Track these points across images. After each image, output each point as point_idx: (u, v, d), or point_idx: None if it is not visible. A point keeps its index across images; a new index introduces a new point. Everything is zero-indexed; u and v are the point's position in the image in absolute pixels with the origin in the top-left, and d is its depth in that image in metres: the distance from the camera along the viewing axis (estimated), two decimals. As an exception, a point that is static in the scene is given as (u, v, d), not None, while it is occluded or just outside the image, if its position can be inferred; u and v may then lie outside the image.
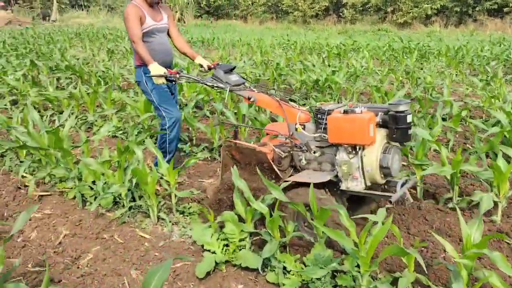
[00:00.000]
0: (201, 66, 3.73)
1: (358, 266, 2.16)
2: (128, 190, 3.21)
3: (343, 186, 2.73)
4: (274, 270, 2.42)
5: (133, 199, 3.31)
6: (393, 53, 11.83)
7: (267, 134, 3.28)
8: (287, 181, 2.79)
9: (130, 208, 3.22)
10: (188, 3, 29.82)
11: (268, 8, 31.61)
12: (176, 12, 29.52)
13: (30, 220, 3.15)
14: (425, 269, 2.16)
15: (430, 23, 24.79)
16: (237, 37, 18.32)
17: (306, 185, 2.62)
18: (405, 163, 4.17)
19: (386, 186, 2.87)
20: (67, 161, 3.41)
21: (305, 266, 2.37)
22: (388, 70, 7.87)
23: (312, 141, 2.91)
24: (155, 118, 4.82)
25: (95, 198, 3.38)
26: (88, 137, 4.48)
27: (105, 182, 3.29)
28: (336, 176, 2.76)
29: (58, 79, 7.61)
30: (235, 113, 4.80)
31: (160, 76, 3.28)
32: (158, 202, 3.14)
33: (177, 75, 3.26)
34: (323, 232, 2.34)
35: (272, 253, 2.40)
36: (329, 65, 8.29)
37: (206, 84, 3.26)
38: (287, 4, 29.67)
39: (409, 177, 3.30)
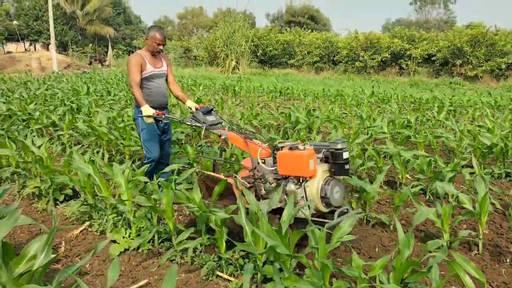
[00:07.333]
0: (190, 108, 4.22)
1: None
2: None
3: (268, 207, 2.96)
4: None
5: None
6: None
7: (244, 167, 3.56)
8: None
9: None
10: (244, 53, 29.74)
11: (321, 58, 31.18)
12: (232, 60, 29.47)
13: None
14: None
15: (504, 78, 23.60)
16: (300, 86, 17.60)
17: None
18: None
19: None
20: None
21: None
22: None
23: (270, 173, 3.32)
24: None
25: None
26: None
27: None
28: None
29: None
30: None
31: (149, 116, 3.83)
32: None
33: (163, 116, 3.85)
34: None
35: None
36: (479, 126, 7.17)
37: (186, 123, 3.82)
38: (344, 54, 29.21)
39: (352, 208, 3.64)
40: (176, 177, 3.56)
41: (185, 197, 3.22)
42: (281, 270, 2.65)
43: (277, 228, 2.60)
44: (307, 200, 3.07)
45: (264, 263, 2.80)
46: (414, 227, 2.70)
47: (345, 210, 3.22)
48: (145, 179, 3.56)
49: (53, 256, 1.96)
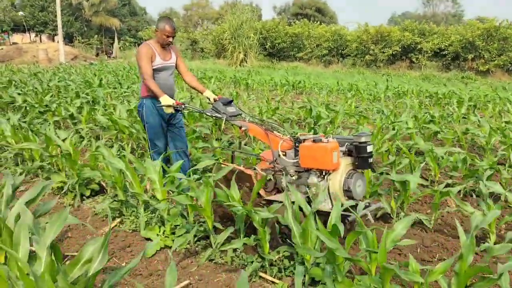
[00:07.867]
0: (209, 99, 4.09)
1: None
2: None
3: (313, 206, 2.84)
4: None
5: None
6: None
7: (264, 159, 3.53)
8: (267, 199, 3.32)
9: None
10: (252, 45, 29.44)
11: (329, 52, 30.87)
12: (240, 53, 29.20)
13: None
14: None
15: (516, 72, 23.39)
16: (311, 79, 17.38)
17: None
18: None
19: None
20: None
21: None
22: None
23: (291, 166, 3.30)
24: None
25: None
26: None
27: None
28: (308, 197, 3.10)
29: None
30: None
31: (169, 106, 3.72)
32: None
33: (183, 106, 3.74)
34: None
35: None
36: (506, 122, 7.00)
37: (206, 114, 3.78)
38: (354, 47, 28.93)
39: (375, 202, 3.58)
40: (213, 174, 3.43)
41: (225, 195, 3.10)
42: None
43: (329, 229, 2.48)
44: (329, 193, 3.05)
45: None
46: (474, 232, 2.53)
47: (367, 204, 3.22)
48: (181, 175, 3.44)
49: (108, 258, 1.84)
